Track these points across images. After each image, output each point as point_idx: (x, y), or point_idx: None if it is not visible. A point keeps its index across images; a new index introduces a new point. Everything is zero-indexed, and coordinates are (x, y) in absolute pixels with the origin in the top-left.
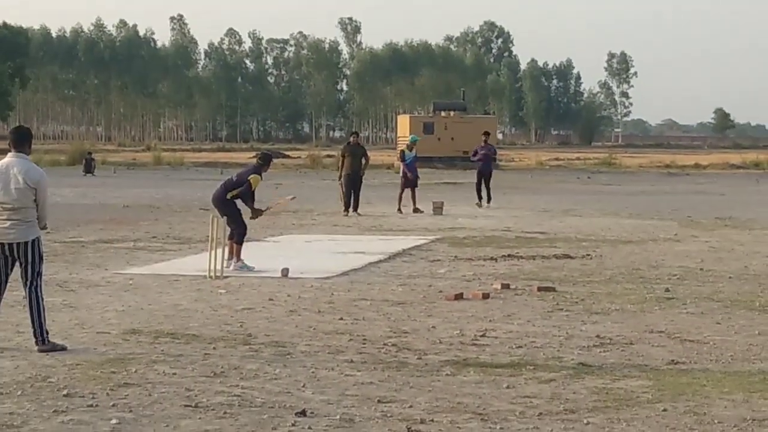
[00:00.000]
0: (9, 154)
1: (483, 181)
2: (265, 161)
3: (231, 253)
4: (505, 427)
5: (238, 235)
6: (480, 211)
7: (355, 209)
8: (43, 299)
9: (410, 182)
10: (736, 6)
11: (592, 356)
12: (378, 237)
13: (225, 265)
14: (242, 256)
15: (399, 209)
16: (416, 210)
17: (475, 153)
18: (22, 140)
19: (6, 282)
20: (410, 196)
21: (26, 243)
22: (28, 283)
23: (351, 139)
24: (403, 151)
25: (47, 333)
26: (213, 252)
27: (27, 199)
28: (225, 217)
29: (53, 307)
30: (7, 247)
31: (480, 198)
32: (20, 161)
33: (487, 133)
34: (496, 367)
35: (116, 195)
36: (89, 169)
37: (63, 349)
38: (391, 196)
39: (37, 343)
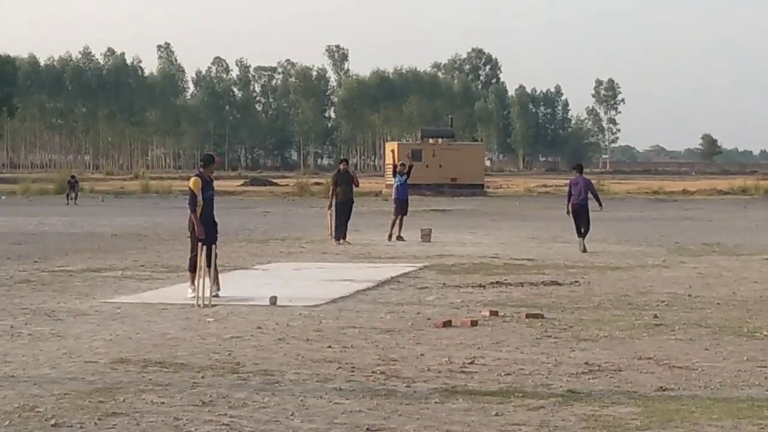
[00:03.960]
0: None
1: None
2: (205, 162)
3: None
4: None
5: (189, 260)
6: (468, 238)
7: (344, 236)
8: None
9: (400, 208)
10: (722, 33)
11: (580, 383)
12: (366, 264)
13: (211, 293)
14: (195, 284)
15: (389, 236)
16: (399, 238)
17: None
18: None
19: None
20: (398, 222)
21: None
22: None
23: (341, 166)
24: (394, 167)
25: None
26: (201, 280)
27: None
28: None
29: (41, 336)
30: None
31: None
32: None
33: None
34: (484, 395)
35: (104, 223)
36: (73, 189)
37: None
38: (379, 223)
39: None
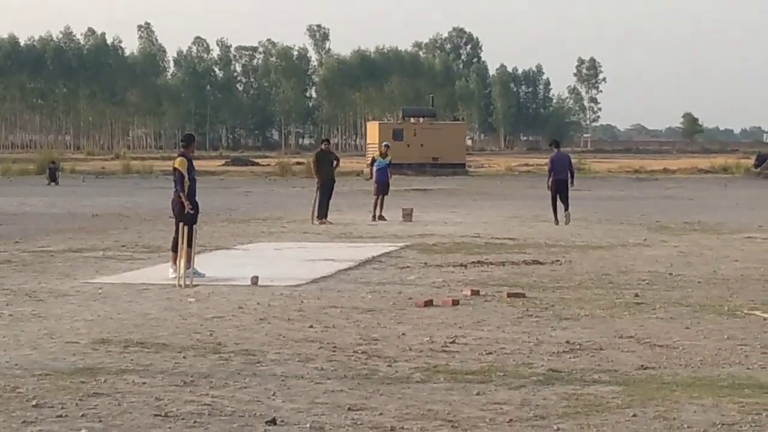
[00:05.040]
0: None
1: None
2: (186, 142)
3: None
4: None
5: (173, 240)
6: (449, 217)
7: (326, 216)
8: None
9: (381, 189)
10: (703, 12)
11: (561, 362)
12: (347, 244)
13: (185, 273)
14: (176, 264)
15: (373, 216)
16: (380, 217)
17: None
18: None
19: None
20: (379, 202)
21: None
22: None
23: (323, 146)
24: (373, 158)
25: None
26: (182, 260)
27: None
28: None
29: (22, 317)
30: None
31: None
32: None
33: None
34: (466, 374)
35: (85, 204)
36: (53, 178)
37: None
38: (360, 203)
39: None
